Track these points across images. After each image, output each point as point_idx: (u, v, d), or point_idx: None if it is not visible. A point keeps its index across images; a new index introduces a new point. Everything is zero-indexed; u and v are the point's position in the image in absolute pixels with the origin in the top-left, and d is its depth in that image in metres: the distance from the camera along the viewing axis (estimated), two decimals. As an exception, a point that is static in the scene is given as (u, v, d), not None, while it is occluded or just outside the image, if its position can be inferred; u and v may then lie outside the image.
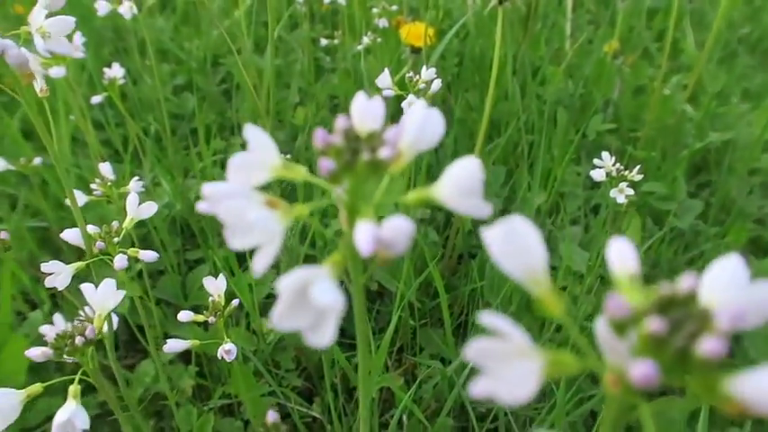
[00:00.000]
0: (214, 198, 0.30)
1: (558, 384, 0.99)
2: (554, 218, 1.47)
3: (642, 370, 0.23)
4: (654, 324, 0.24)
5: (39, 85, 0.53)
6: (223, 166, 1.55)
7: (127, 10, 1.09)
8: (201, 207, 0.31)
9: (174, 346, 0.68)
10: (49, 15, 0.49)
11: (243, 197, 0.31)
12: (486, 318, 0.25)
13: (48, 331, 0.83)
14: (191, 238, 1.47)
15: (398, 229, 0.28)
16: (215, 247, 1.33)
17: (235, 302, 0.70)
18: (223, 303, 0.70)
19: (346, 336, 1.20)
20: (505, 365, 0.25)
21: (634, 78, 1.91)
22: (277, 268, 1.32)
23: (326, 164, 0.29)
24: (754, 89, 2.02)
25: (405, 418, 1.07)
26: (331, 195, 0.33)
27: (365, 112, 0.33)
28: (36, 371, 1.15)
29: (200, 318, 0.69)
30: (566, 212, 1.45)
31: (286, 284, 0.28)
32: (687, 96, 1.76)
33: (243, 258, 1.29)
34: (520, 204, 1.37)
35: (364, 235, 0.28)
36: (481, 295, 1.23)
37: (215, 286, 0.71)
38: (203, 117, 1.51)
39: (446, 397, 1.10)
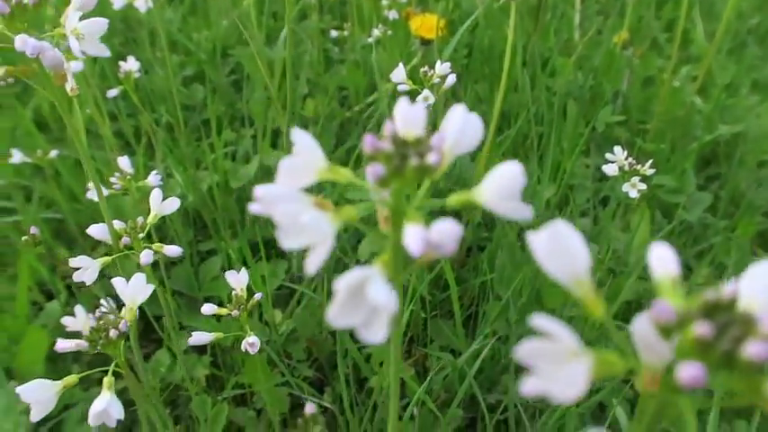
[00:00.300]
0: (267, 200, 0.31)
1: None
2: (563, 210, 1.48)
3: (691, 371, 0.24)
4: (702, 328, 0.25)
5: (70, 85, 0.54)
6: (234, 157, 1.56)
7: (142, 3, 1.10)
8: (254, 208, 0.32)
9: (198, 338, 0.70)
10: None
11: (294, 200, 0.32)
12: (538, 320, 0.27)
13: (70, 323, 0.84)
14: (203, 230, 1.48)
15: (447, 232, 0.29)
16: (227, 239, 1.35)
17: (258, 296, 0.71)
18: (246, 296, 0.71)
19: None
20: (556, 365, 0.27)
21: (643, 69, 1.91)
22: (289, 262, 1.33)
23: (378, 169, 0.30)
24: (763, 80, 2.01)
25: (416, 409, 1.08)
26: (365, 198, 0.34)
27: (409, 117, 0.34)
28: (53, 360, 1.17)
29: (224, 311, 0.70)
30: (575, 205, 1.46)
31: (342, 284, 0.29)
32: (696, 88, 1.76)
33: (255, 250, 1.30)
34: (529, 197, 1.38)
35: (415, 237, 0.29)
36: (491, 288, 1.24)
37: (237, 280, 0.72)
38: (215, 108, 1.52)
39: (456, 388, 1.11)
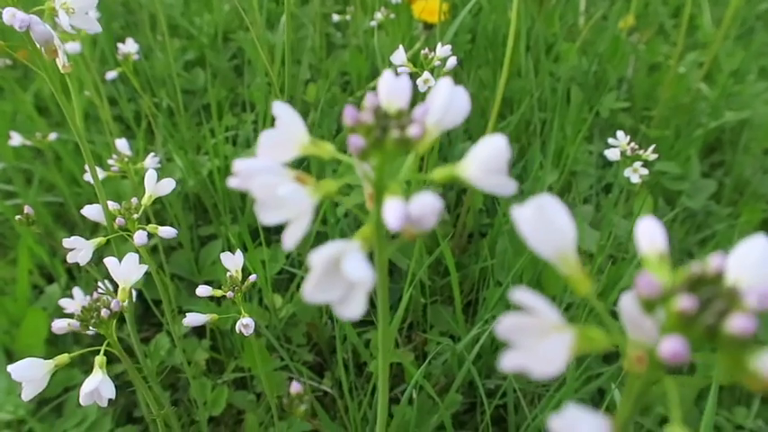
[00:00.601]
0: (245, 174, 0.31)
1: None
2: (566, 197, 1.47)
3: (672, 346, 0.24)
4: (684, 302, 0.24)
5: (61, 61, 0.53)
6: (235, 142, 1.55)
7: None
8: (233, 183, 0.32)
9: (193, 319, 0.70)
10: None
11: (274, 173, 0.31)
12: (518, 294, 0.26)
13: (67, 305, 0.85)
14: (203, 214, 1.48)
15: (427, 206, 0.29)
16: (227, 223, 1.34)
17: (252, 278, 0.71)
18: (240, 278, 0.71)
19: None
20: (536, 340, 0.26)
21: (649, 55, 1.89)
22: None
23: (356, 141, 0.30)
24: (771, 67, 1.98)
25: (414, 393, 1.08)
26: (351, 172, 0.33)
27: (392, 89, 0.33)
28: (53, 343, 1.17)
29: (219, 292, 0.70)
30: (577, 191, 1.45)
31: (318, 258, 0.29)
32: (703, 74, 1.73)
33: (255, 235, 1.30)
34: (532, 183, 1.37)
35: (394, 211, 0.29)
36: (492, 274, 1.24)
37: (233, 262, 0.72)
38: (216, 93, 1.51)
39: (455, 373, 1.11)
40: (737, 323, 0.23)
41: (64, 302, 0.82)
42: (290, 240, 0.31)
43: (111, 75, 1.16)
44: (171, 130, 1.44)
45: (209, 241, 1.37)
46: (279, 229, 1.21)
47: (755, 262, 0.27)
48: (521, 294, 0.27)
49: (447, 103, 0.32)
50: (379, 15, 1.53)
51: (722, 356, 0.25)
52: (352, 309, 0.29)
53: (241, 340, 1.18)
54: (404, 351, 1.20)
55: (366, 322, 1.24)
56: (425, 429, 1.04)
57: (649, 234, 0.31)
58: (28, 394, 0.51)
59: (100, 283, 0.81)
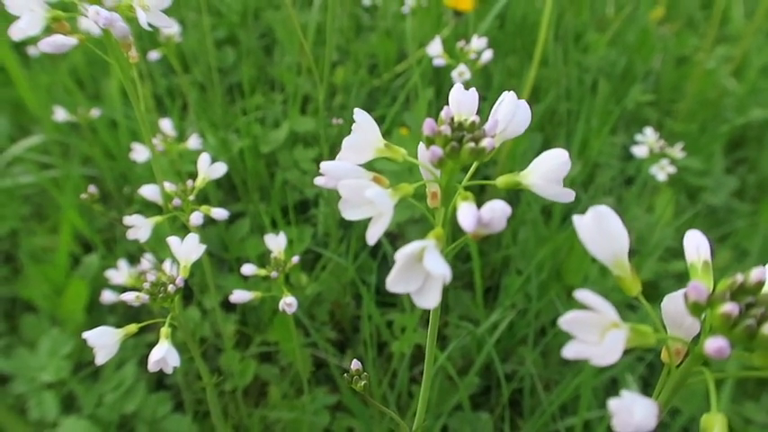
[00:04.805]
0: (332, 174, 0.34)
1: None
2: (588, 188, 1.49)
3: (716, 344, 0.28)
4: (728, 307, 0.28)
5: (133, 53, 0.57)
6: (263, 121, 1.58)
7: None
8: (319, 181, 0.35)
9: (239, 296, 0.74)
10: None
11: (357, 174, 0.35)
12: (581, 293, 0.30)
13: (114, 276, 0.89)
14: (231, 192, 1.51)
15: (497, 211, 0.32)
16: (256, 202, 1.38)
17: (295, 259, 0.74)
18: (283, 258, 0.75)
19: (380, 294, 1.26)
20: (595, 334, 0.30)
21: (678, 48, 1.88)
22: (315, 228, 1.36)
23: (436, 151, 0.33)
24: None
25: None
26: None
27: (462, 101, 0.36)
28: (89, 311, 1.22)
29: (263, 272, 0.74)
30: (600, 183, 1.47)
31: (402, 254, 0.33)
32: (732, 69, 1.73)
33: (283, 214, 1.34)
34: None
35: (468, 215, 0.32)
36: (513, 262, 1.27)
37: (276, 243, 0.76)
38: (247, 71, 1.54)
39: (473, 356, 1.15)
40: (773, 328, 0.27)
41: (111, 274, 0.86)
42: (373, 236, 0.35)
43: (154, 55, 1.19)
44: (203, 108, 1.47)
45: (237, 218, 1.41)
46: (305, 209, 1.24)
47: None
48: (584, 294, 0.30)
49: (512, 116, 0.36)
50: (410, 1, 1.55)
51: (758, 355, 0.29)
52: (430, 299, 0.33)
53: (269, 315, 1.22)
54: (424, 333, 1.25)
55: (388, 304, 1.28)
56: (444, 409, 1.09)
57: (696, 245, 0.34)
58: (101, 359, 0.55)
59: (147, 256, 0.85)
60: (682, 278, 1.28)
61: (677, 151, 1.00)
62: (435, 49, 1.00)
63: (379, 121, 1.54)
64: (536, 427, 1.07)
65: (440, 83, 1.59)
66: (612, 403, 0.28)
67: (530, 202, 1.29)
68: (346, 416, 1.12)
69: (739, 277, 0.30)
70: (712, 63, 1.77)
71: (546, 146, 1.55)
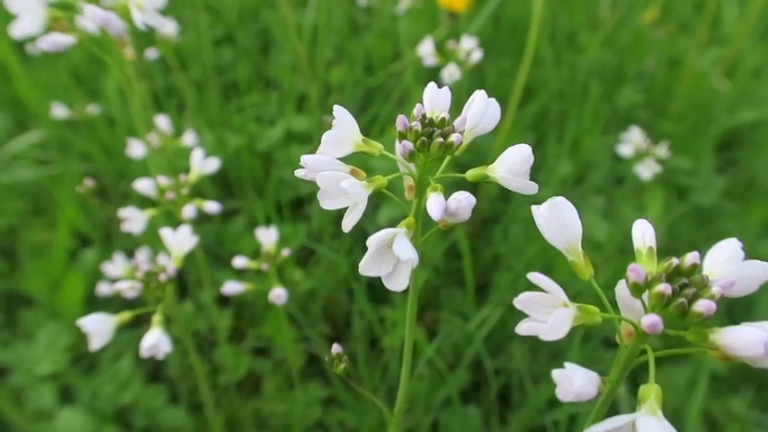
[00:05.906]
0: (311, 167, 0.37)
1: (571, 343, 1.06)
2: (579, 187, 1.51)
3: (651, 320, 0.30)
4: (662, 287, 0.31)
5: (129, 51, 0.59)
6: (259, 119, 1.61)
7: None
8: (300, 174, 0.38)
9: (231, 288, 0.76)
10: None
11: (335, 167, 0.37)
12: (534, 276, 0.33)
13: (110, 269, 0.92)
14: (227, 188, 1.53)
15: (463, 201, 0.35)
16: (251, 199, 1.40)
17: (286, 252, 0.77)
18: (274, 252, 0.77)
19: (373, 290, 1.28)
20: (546, 312, 0.33)
21: (670, 49, 1.89)
22: (309, 224, 1.39)
23: (407, 145, 0.36)
24: (794, 65, 1.98)
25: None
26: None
27: (435, 99, 0.39)
28: (86, 304, 1.24)
29: (255, 265, 0.77)
30: (591, 182, 1.48)
31: (372, 240, 0.35)
32: (724, 70, 1.74)
33: (279, 210, 1.36)
34: (546, 173, 1.41)
35: (435, 205, 0.35)
36: (503, 259, 1.29)
37: (267, 237, 0.78)
38: (243, 70, 1.56)
39: (464, 352, 1.18)
40: (702, 306, 0.30)
41: (108, 267, 0.89)
42: (349, 224, 0.37)
43: (152, 54, 1.22)
44: (199, 106, 1.49)
45: (233, 215, 1.43)
46: (299, 206, 1.26)
47: (724, 259, 0.34)
48: (536, 276, 0.33)
49: (482, 114, 0.38)
50: (405, 2, 1.57)
51: (691, 332, 0.32)
52: (399, 282, 0.36)
53: (262, 310, 1.24)
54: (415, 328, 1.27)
55: (380, 300, 1.30)
56: (434, 403, 1.11)
57: (642, 232, 0.37)
58: (95, 344, 0.58)
59: (142, 250, 0.87)
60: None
61: (663, 150, 1.02)
62: (426, 48, 1.02)
63: (373, 119, 1.56)
64: (523, 420, 1.10)
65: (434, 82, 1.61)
66: (555, 372, 0.30)
67: (520, 200, 1.31)
68: (338, 409, 1.14)
69: (675, 261, 0.33)
70: (704, 64, 1.79)
71: (538, 145, 1.57)
